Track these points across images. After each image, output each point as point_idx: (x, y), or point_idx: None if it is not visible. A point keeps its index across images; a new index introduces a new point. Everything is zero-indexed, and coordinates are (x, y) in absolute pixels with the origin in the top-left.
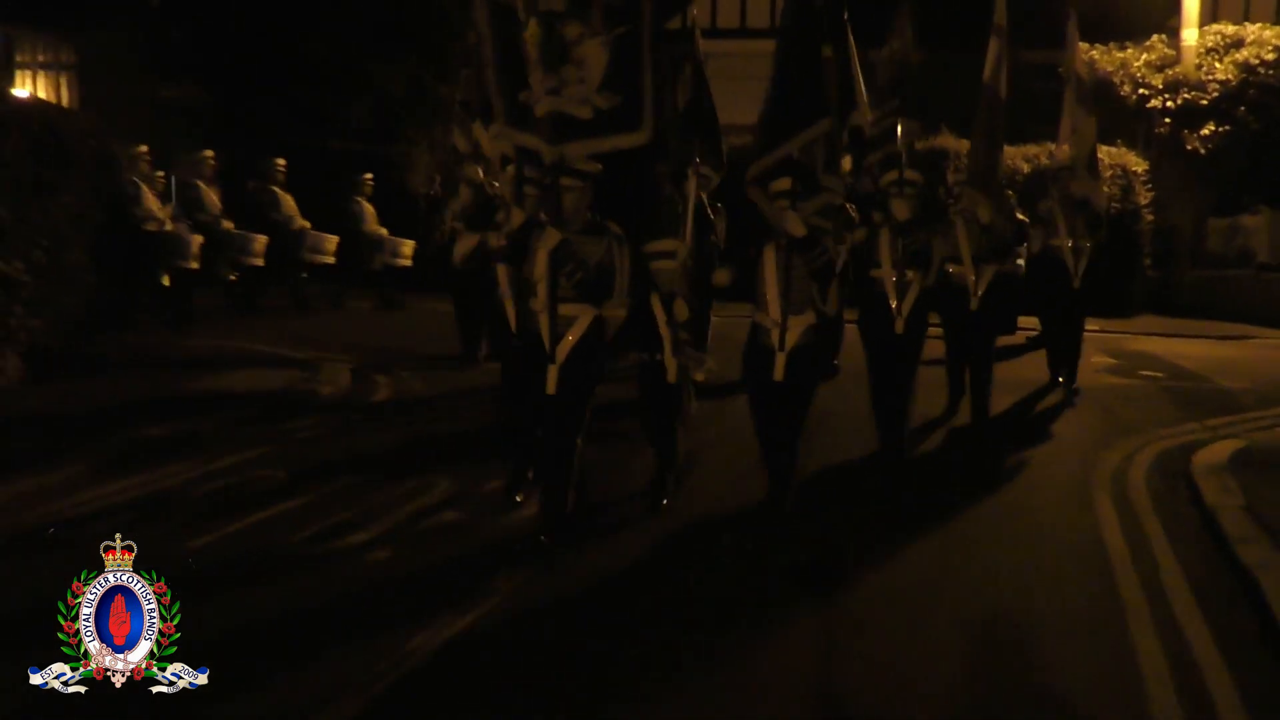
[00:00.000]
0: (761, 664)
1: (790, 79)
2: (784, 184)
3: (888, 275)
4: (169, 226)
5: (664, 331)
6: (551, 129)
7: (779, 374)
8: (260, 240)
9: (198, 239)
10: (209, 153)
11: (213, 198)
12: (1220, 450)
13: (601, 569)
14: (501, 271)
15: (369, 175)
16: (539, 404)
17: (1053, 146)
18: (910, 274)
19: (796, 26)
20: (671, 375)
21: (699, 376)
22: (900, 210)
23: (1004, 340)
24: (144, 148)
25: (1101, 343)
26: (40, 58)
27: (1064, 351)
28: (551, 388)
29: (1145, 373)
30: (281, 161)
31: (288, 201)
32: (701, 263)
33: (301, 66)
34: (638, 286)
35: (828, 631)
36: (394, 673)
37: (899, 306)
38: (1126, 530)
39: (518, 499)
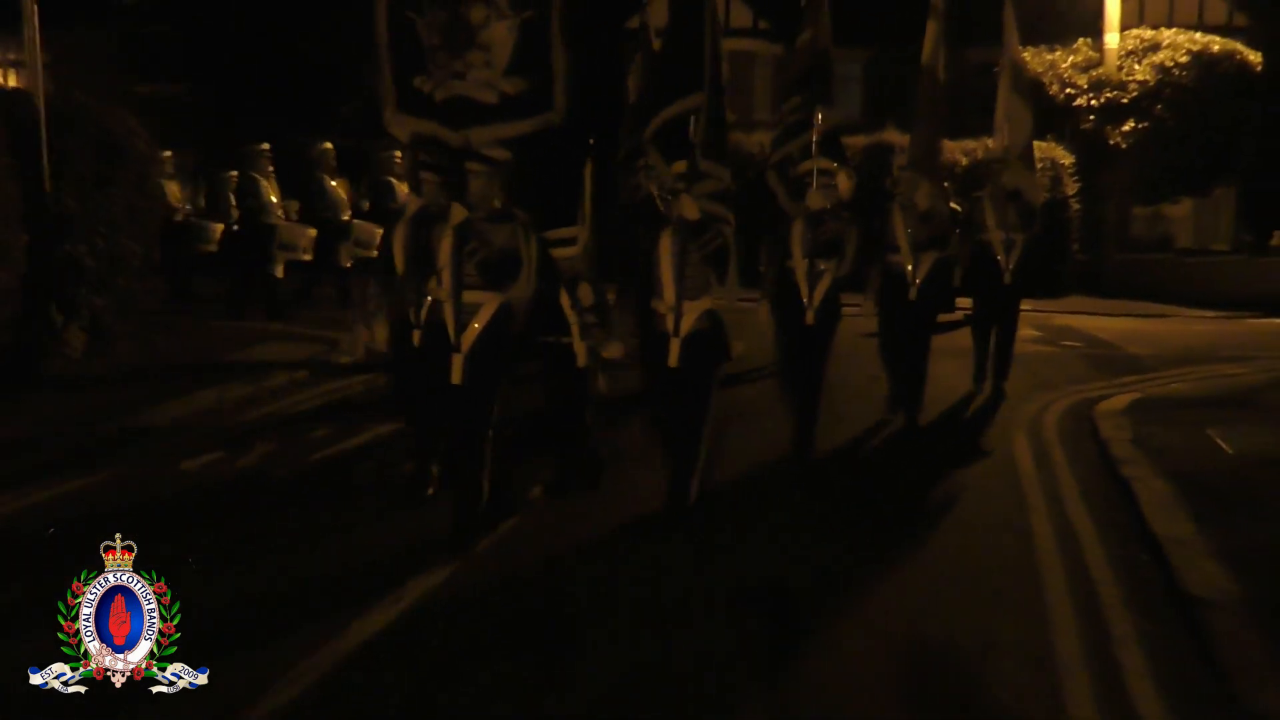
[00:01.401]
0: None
1: (667, 54)
2: (679, 167)
3: (799, 265)
4: (281, 219)
5: (570, 316)
6: (454, 114)
7: (673, 360)
8: (308, 233)
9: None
10: (265, 145)
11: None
12: (1120, 400)
13: (525, 562)
14: (399, 258)
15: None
16: (443, 395)
17: (989, 140)
18: (823, 264)
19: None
20: (581, 359)
21: (612, 353)
22: (814, 199)
23: (944, 317)
24: (265, 145)
25: (1031, 319)
26: (12, 55)
27: (997, 348)
28: (457, 377)
29: (1067, 343)
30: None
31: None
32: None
33: (294, 66)
34: (545, 273)
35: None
36: (330, 660)
37: (811, 297)
38: (1036, 456)
39: (429, 492)
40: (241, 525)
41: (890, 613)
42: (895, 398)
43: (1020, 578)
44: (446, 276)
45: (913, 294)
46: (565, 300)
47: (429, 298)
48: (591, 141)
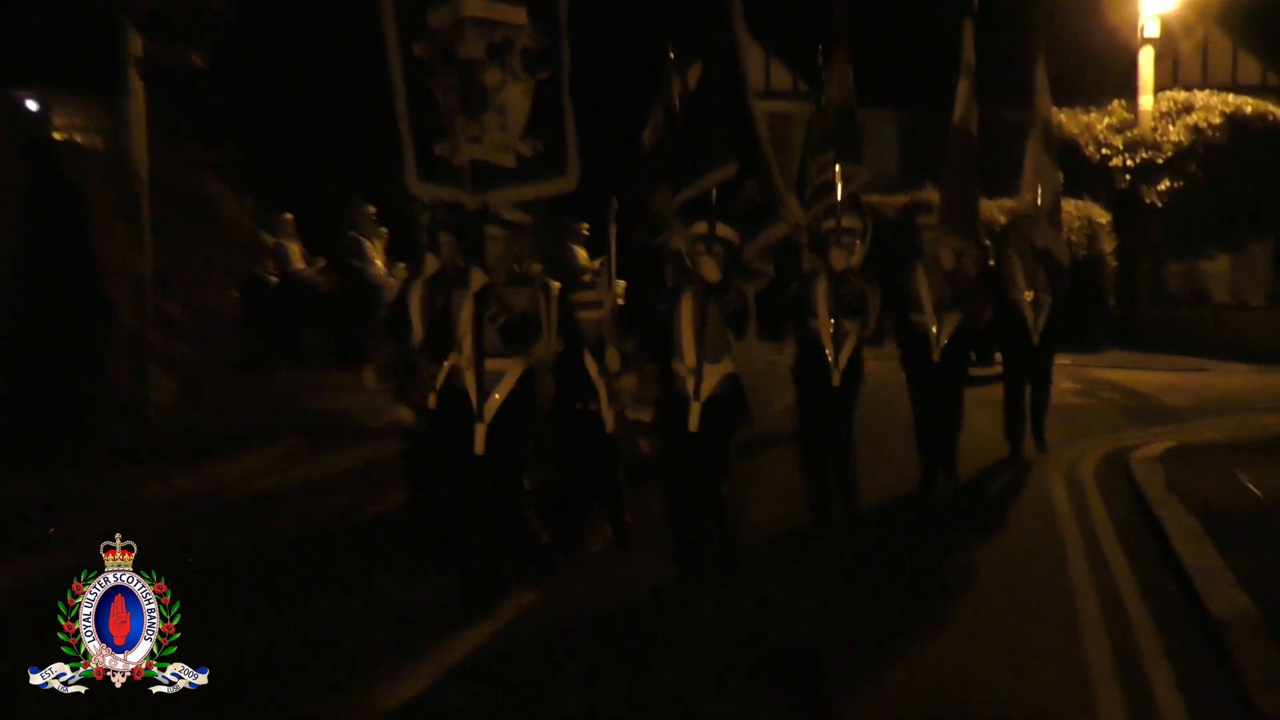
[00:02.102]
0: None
1: (699, 119)
2: (700, 228)
3: (824, 325)
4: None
5: (597, 382)
6: (473, 178)
7: (693, 424)
8: None
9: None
10: (371, 208)
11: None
12: (1155, 448)
13: (546, 630)
14: (416, 322)
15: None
16: (462, 468)
17: (1017, 199)
18: (848, 324)
19: (714, 67)
20: (609, 425)
21: (643, 417)
22: (838, 259)
23: (981, 371)
24: (372, 207)
25: (1069, 372)
26: (77, 121)
27: (1033, 409)
28: (479, 447)
29: (1104, 394)
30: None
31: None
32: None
33: (349, 133)
34: (569, 338)
35: None
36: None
37: (836, 358)
38: (1073, 499)
39: (432, 571)
40: (241, 588)
41: (929, 640)
42: (927, 463)
43: (1056, 603)
44: (468, 344)
45: (936, 355)
46: (591, 365)
47: (448, 365)
48: (615, 204)
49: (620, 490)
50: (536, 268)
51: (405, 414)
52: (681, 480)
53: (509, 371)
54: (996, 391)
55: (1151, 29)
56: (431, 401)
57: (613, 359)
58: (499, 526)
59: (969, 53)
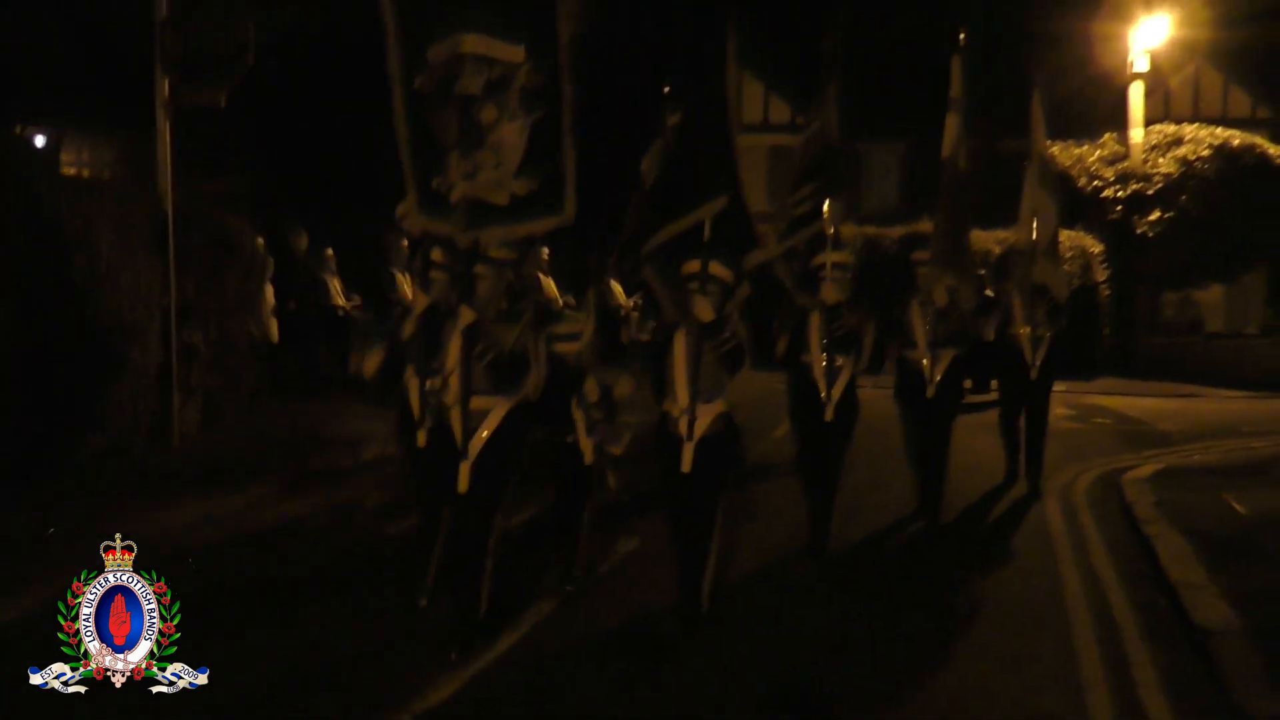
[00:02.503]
0: None
1: (688, 152)
2: (693, 266)
3: (816, 360)
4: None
5: (575, 413)
6: (466, 214)
7: (686, 464)
8: None
9: None
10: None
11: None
12: (1145, 470)
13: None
14: (408, 359)
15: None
16: (449, 503)
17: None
18: (841, 359)
19: (700, 98)
20: (588, 457)
21: (616, 451)
22: (829, 293)
23: (977, 397)
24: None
25: (1064, 399)
26: (85, 155)
27: (1029, 443)
28: (463, 485)
29: (1097, 420)
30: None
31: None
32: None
33: (362, 169)
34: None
35: None
36: None
37: (829, 393)
38: (1067, 518)
39: (421, 603)
40: (236, 628)
41: (931, 652)
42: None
43: (1050, 616)
44: (454, 381)
45: (930, 391)
46: (571, 397)
47: (435, 400)
48: (605, 235)
49: (583, 528)
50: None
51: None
52: (682, 522)
53: (495, 410)
54: (994, 417)
55: (1141, 64)
56: (421, 440)
57: (591, 390)
58: (484, 562)
59: (957, 88)
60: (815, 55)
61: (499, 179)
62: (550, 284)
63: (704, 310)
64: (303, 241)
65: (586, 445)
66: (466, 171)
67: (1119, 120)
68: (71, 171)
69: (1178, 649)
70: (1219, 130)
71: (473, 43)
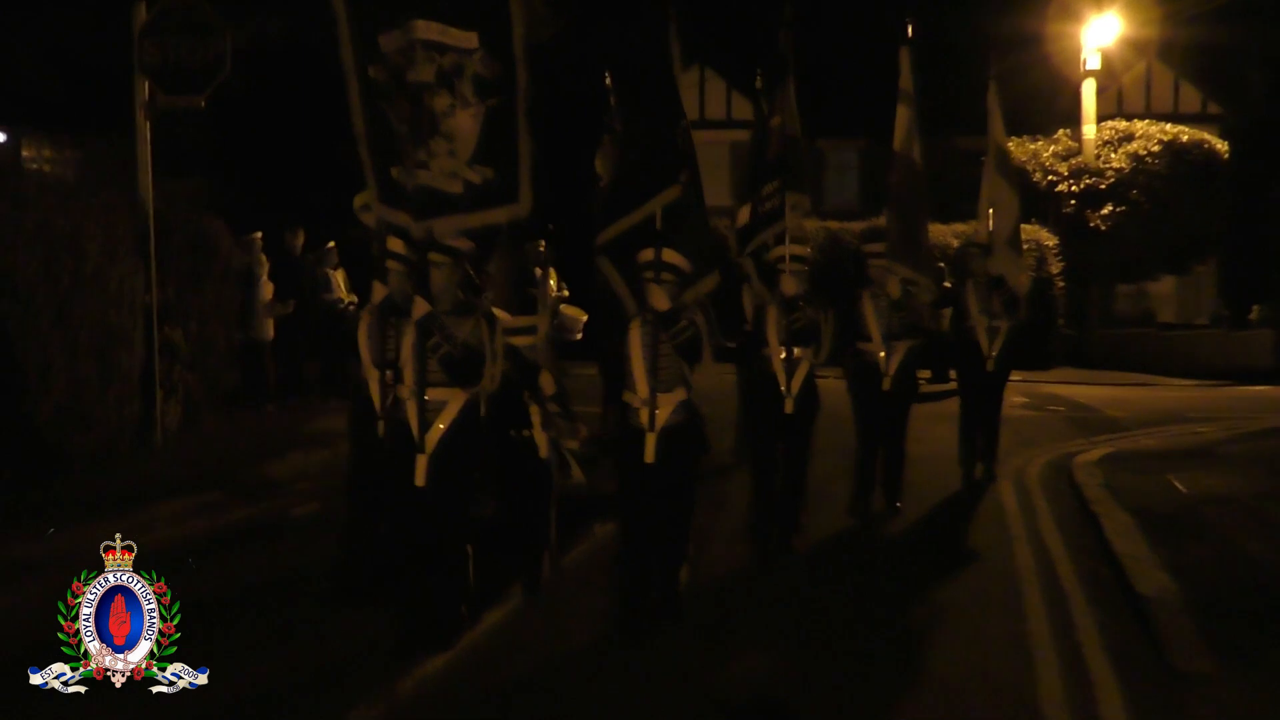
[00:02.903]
0: None
1: (642, 143)
2: (647, 255)
3: (775, 353)
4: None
5: (530, 408)
6: (420, 204)
7: (650, 455)
8: None
9: None
10: (332, 243)
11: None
12: (1095, 454)
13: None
14: (365, 353)
15: (331, 243)
16: (404, 498)
17: (974, 224)
18: (800, 351)
19: (650, 90)
20: (543, 450)
21: (573, 444)
22: (787, 285)
23: (934, 387)
24: (332, 243)
25: (1019, 388)
26: (45, 153)
27: (983, 435)
28: (420, 479)
29: (1052, 407)
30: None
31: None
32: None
33: (324, 166)
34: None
35: None
36: None
37: (788, 385)
38: (1020, 499)
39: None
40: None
41: (890, 623)
42: (859, 499)
43: (1004, 587)
44: (409, 373)
45: (886, 384)
46: (525, 391)
47: (391, 393)
48: (552, 228)
49: (549, 525)
50: (489, 296)
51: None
52: (639, 518)
53: (451, 401)
54: (953, 406)
55: (1093, 62)
56: (381, 430)
57: (546, 384)
58: (440, 564)
59: (906, 80)
60: (772, 53)
61: (453, 168)
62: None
63: (660, 300)
64: (298, 239)
65: (541, 440)
66: (420, 160)
67: (1073, 117)
68: (34, 168)
69: (1120, 615)
70: (1168, 126)
71: (425, 28)
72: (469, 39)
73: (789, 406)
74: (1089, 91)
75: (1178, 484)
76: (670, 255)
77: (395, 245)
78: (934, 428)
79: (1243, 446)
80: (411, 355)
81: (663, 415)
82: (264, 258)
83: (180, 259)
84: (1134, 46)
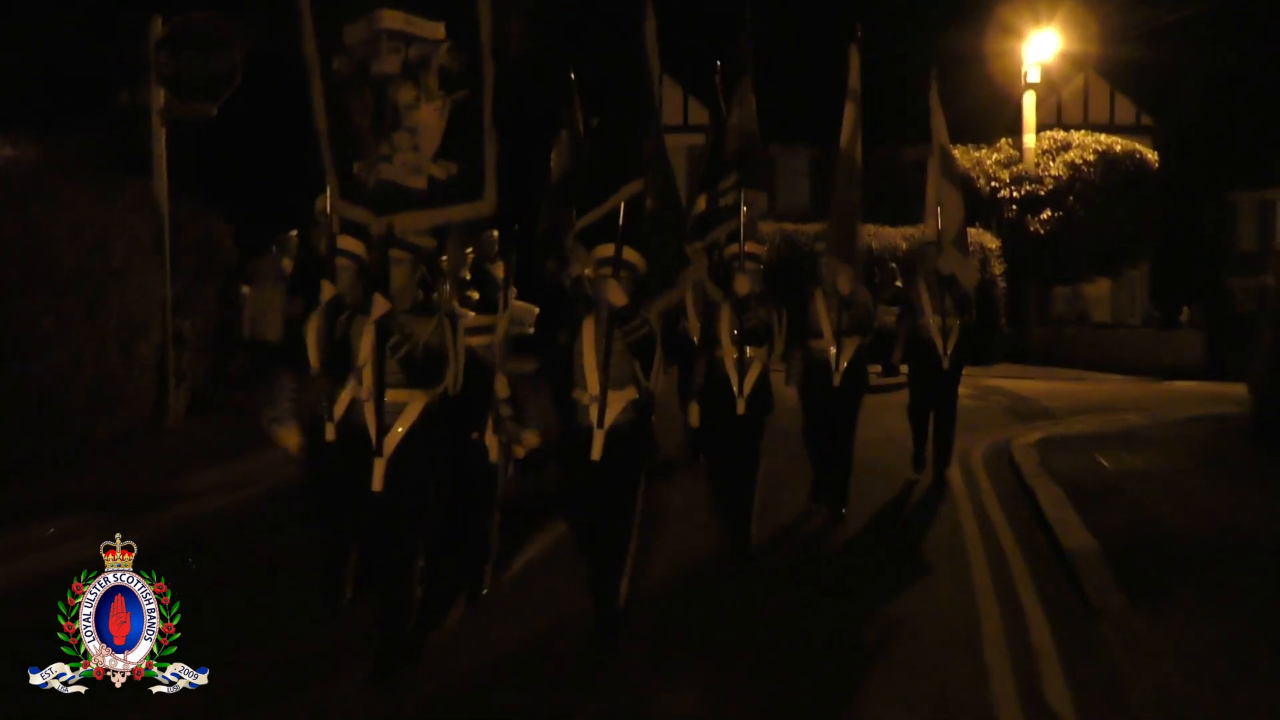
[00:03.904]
0: None
1: (604, 140)
2: (605, 250)
3: (728, 352)
4: None
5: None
6: (381, 200)
7: (596, 452)
8: None
9: None
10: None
11: None
12: (1031, 437)
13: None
14: (314, 353)
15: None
16: (363, 504)
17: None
18: (752, 350)
19: (615, 87)
20: (494, 454)
21: (519, 452)
22: (741, 284)
23: (886, 380)
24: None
25: (965, 382)
26: (9, 151)
27: (936, 434)
28: (378, 484)
29: (993, 398)
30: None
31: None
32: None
33: (288, 160)
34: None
35: None
36: None
37: (740, 386)
38: (965, 477)
39: (347, 596)
40: None
41: (849, 590)
42: (820, 485)
43: (950, 552)
44: (368, 375)
45: (836, 380)
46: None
47: (347, 396)
48: (517, 227)
49: (489, 533)
50: (447, 294)
51: (291, 438)
52: (585, 519)
53: (411, 404)
54: (904, 397)
55: (1034, 75)
56: (330, 434)
57: (501, 386)
58: (408, 567)
59: (854, 79)
60: (723, 49)
61: (416, 162)
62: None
63: (616, 295)
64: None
65: (492, 443)
66: (383, 154)
67: (1014, 127)
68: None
69: (1050, 568)
70: (1103, 137)
71: (390, 18)
72: (435, 29)
73: (740, 407)
74: (1029, 103)
75: (1104, 462)
76: (630, 253)
77: (346, 243)
78: (883, 415)
79: (1164, 432)
80: (370, 356)
81: (612, 413)
82: (284, 259)
83: (188, 256)
84: (1072, 61)
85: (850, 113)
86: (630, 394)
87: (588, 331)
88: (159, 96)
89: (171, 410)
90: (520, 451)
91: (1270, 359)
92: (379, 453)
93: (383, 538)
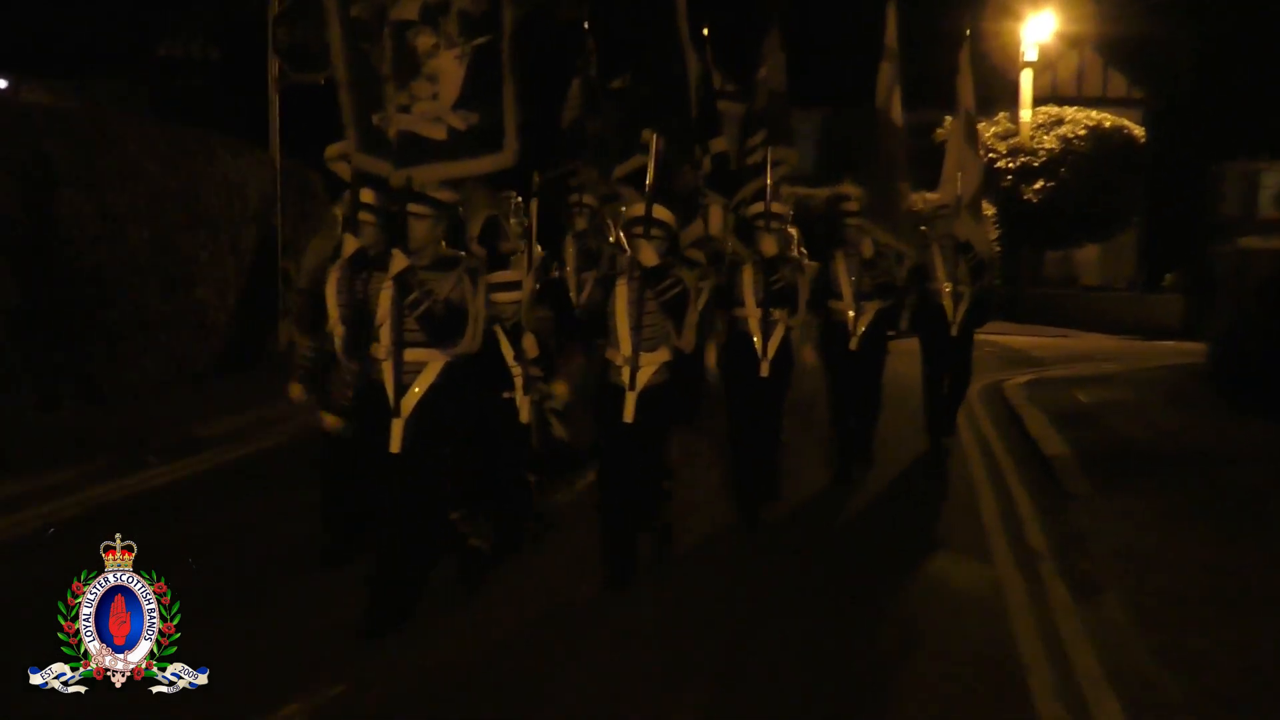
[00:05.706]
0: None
1: (638, 102)
2: (637, 210)
3: (752, 313)
4: None
5: (513, 368)
6: (400, 150)
7: (629, 414)
8: None
9: None
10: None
11: None
12: (1021, 379)
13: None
14: (333, 309)
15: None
16: (381, 466)
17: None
18: (777, 312)
19: (656, 41)
20: (524, 415)
21: (557, 405)
22: (767, 245)
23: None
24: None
25: None
26: (45, 99)
27: (951, 396)
28: (396, 445)
29: (988, 350)
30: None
31: None
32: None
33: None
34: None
35: None
36: None
37: (764, 347)
38: (966, 412)
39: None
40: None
41: (869, 510)
42: (841, 453)
43: (957, 459)
44: (385, 333)
45: (854, 344)
46: (507, 350)
47: (365, 354)
48: (538, 179)
49: (527, 489)
50: (477, 250)
51: (330, 420)
52: (616, 476)
53: (430, 363)
54: (913, 344)
55: (1031, 54)
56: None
57: (529, 345)
58: (421, 534)
59: (891, 37)
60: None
61: (436, 111)
62: (515, 227)
63: (648, 255)
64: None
65: (524, 403)
66: (402, 104)
67: (1011, 101)
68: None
69: (1034, 468)
70: (1094, 113)
71: None
72: None
73: (764, 370)
74: (1026, 81)
75: (1081, 397)
76: (661, 212)
77: (368, 196)
78: (895, 363)
79: (1135, 376)
80: (389, 313)
81: (645, 375)
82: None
83: (293, 205)
84: (1068, 39)
85: (886, 72)
86: (663, 355)
87: (620, 293)
88: (274, 66)
89: (279, 340)
90: (558, 405)
91: (1227, 315)
92: (396, 413)
93: (395, 500)
